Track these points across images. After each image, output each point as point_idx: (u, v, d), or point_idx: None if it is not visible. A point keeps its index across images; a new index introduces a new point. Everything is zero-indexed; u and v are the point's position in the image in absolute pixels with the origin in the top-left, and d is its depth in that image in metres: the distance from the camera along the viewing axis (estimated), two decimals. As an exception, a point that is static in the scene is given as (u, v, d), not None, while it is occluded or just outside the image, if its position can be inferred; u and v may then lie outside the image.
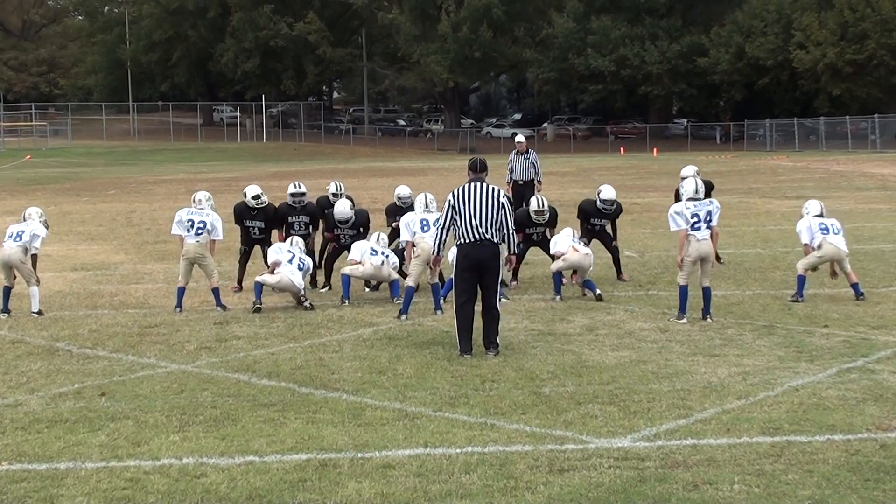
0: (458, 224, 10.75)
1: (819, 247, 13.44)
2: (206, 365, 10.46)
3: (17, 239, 13.21)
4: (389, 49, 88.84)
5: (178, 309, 13.41)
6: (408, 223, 13.31)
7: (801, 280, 13.46)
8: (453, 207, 10.78)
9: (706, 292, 12.18)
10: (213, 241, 13.55)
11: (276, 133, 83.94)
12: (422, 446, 7.65)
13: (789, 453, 7.34)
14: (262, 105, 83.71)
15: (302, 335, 11.86)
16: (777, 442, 7.61)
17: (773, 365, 10.00)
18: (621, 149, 67.85)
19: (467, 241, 10.71)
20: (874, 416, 8.20)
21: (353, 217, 14.92)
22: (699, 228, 11.98)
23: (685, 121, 78.63)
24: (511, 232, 10.93)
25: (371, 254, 13.82)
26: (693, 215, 11.99)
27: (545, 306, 13.36)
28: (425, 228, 13.00)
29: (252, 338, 11.75)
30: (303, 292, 13.57)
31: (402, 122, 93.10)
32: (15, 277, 13.37)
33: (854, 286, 13.41)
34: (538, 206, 14.65)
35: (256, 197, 14.83)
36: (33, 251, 13.26)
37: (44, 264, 18.07)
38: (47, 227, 13.73)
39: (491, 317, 10.73)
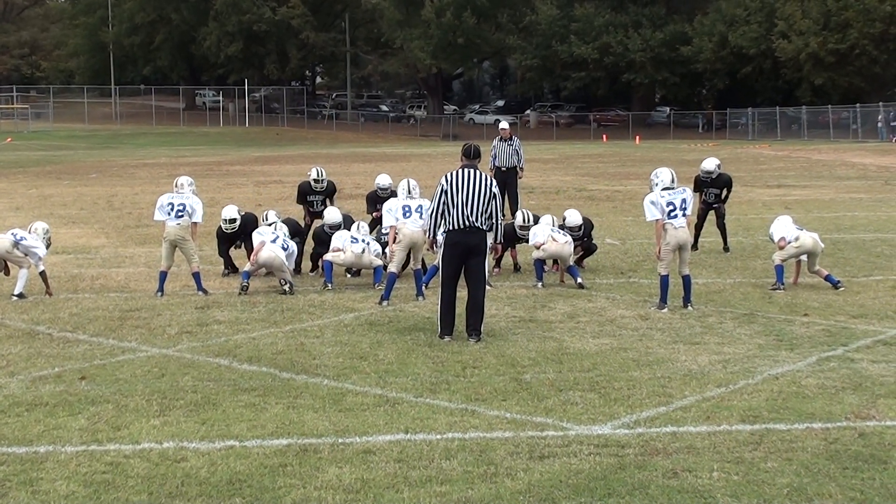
0: (449, 210, 10.74)
1: (796, 238, 13.45)
2: (187, 349, 10.43)
3: (13, 236, 13.26)
4: (373, 34, 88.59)
5: (159, 293, 13.37)
6: (390, 209, 13.27)
7: (780, 269, 13.52)
8: (445, 192, 10.77)
9: (686, 280, 12.22)
10: (195, 224, 13.51)
11: (259, 118, 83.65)
12: (402, 432, 7.65)
13: (768, 441, 7.38)
14: (244, 89, 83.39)
15: (283, 320, 11.84)
16: (756, 430, 7.65)
17: (753, 353, 10.05)
18: (604, 136, 67.91)
19: (457, 227, 10.71)
20: (853, 405, 8.25)
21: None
22: (676, 217, 11.98)
23: (668, 109, 78.73)
24: (499, 221, 10.95)
25: (351, 241, 13.85)
26: (669, 203, 11.97)
27: (527, 293, 13.38)
28: (407, 215, 12.94)
29: (233, 322, 11.73)
30: (286, 278, 13.57)
31: (384, 108, 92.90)
32: (8, 272, 13.48)
33: (827, 278, 13.49)
34: (524, 221, 14.42)
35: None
36: (32, 260, 13.35)
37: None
38: (48, 247, 13.80)
39: (475, 303, 10.74)
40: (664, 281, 12.12)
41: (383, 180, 16.25)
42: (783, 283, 13.44)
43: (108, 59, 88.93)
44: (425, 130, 77.46)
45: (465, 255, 10.73)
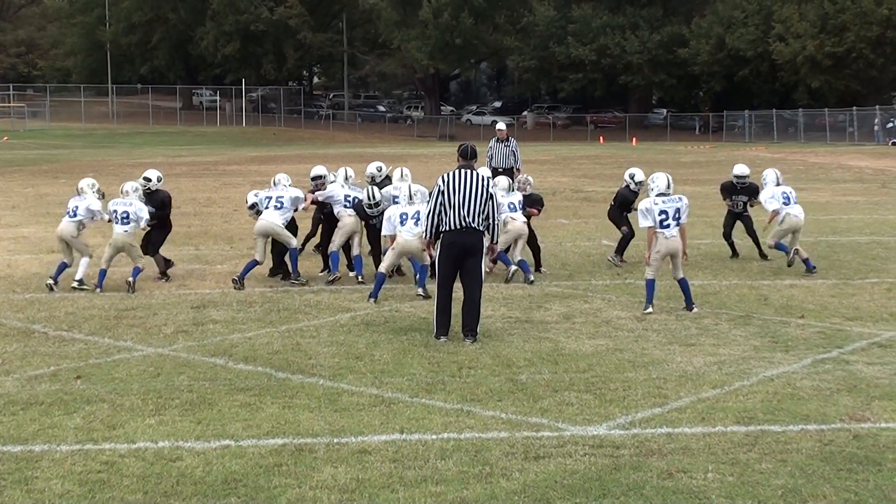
0: (446, 210, 10.73)
1: (782, 221, 14.63)
2: (183, 349, 10.44)
3: (73, 216, 13.97)
4: (370, 35, 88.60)
5: (98, 289, 13.66)
6: (390, 217, 13.20)
7: (781, 246, 14.70)
8: (443, 193, 10.77)
9: (683, 284, 12.20)
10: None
11: (256, 117, 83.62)
12: (398, 432, 7.66)
13: (763, 443, 7.40)
14: (241, 89, 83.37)
15: (279, 320, 11.84)
16: (751, 431, 7.67)
17: (748, 355, 10.06)
18: (601, 138, 67.94)
19: (453, 227, 10.71)
20: (848, 407, 8.27)
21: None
22: (668, 226, 11.94)
23: (665, 111, 78.80)
24: (495, 222, 10.96)
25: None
26: (661, 213, 11.94)
27: (522, 294, 13.38)
28: (404, 223, 12.95)
29: (229, 322, 11.73)
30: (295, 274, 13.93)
31: (382, 108, 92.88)
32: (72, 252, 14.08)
33: (805, 261, 14.59)
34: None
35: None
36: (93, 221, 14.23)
37: (20, 246, 18.03)
38: (102, 197, 14.50)
39: (471, 304, 10.74)
40: (650, 284, 12.08)
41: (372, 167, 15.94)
42: (789, 251, 14.57)
43: (105, 58, 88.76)
44: (422, 131, 77.49)
45: (462, 256, 10.73)
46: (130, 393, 8.72)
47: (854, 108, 61.72)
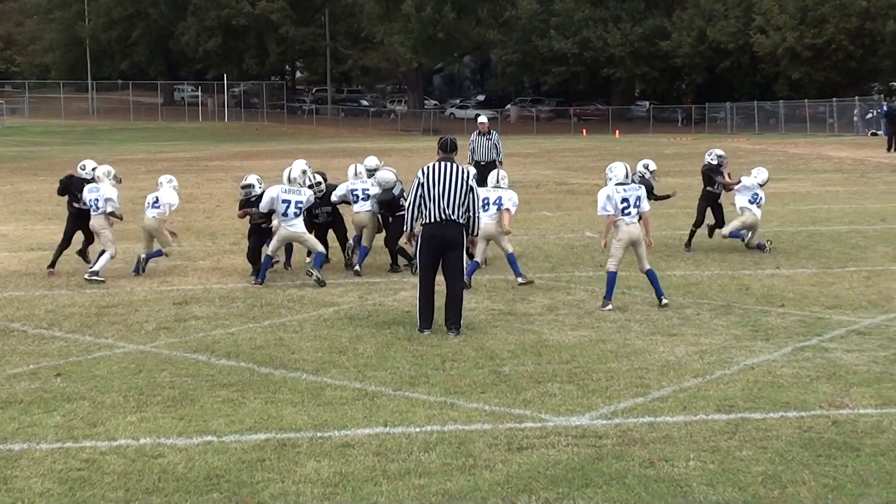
0: (425, 203, 10.72)
1: (742, 212, 15.77)
2: (165, 345, 10.40)
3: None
4: (353, 29, 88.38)
5: (140, 272, 14.61)
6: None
7: (735, 234, 15.85)
8: (422, 185, 10.76)
9: (651, 276, 12.06)
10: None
11: (238, 113, 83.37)
12: (381, 425, 7.66)
13: (744, 430, 7.43)
14: (223, 84, 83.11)
15: (262, 315, 11.82)
16: (732, 419, 7.70)
17: (729, 344, 10.10)
18: (584, 130, 68.06)
19: (433, 220, 10.70)
20: (827, 394, 8.31)
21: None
22: (629, 213, 11.88)
23: (647, 103, 79.03)
24: (476, 215, 10.94)
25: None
26: (623, 200, 11.88)
27: (506, 286, 13.39)
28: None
29: (212, 318, 11.70)
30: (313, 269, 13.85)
31: (365, 103, 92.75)
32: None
33: (758, 245, 15.84)
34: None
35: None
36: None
37: None
38: (119, 182, 15.00)
39: (454, 297, 10.73)
40: (610, 277, 11.94)
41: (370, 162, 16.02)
42: (744, 238, 15.78)
43: (85, 54, 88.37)
44: (406, 125, 77.41)
45: (442, 249, 10.72)
46: (111, 390, 8.69)
47: (834, 99, 62.01)
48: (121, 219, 14.64)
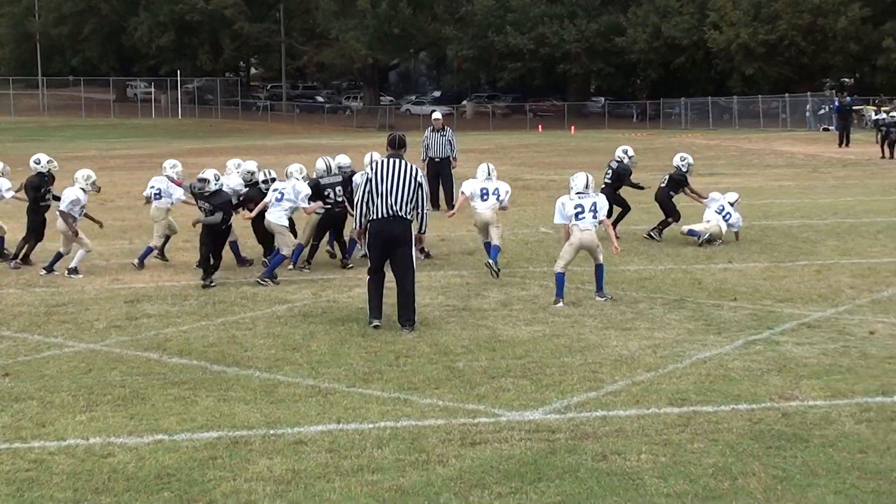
0: (373, 199, 10.70)
1: (707, 221, 16.30)
2: (116, 344, 10.30)
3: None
4: (308, 25, 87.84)
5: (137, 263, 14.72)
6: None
7: (692, 231, 16.20)
8: (370, 181, 10.74)
9: (598, 270, 12.15)
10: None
11: (192, 109, 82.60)
12: (334, 422, 7.64)
13: (695, 423, 7.49)
14: (177, 81, 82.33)
15: (215, 313, 11.74)
16: (684, 412, 7.76)
17: (682, 338, 10.17)
18: (540, 126, 68.17)
19: (380, 216, 10.68)
20: (777, 386, 8.40)
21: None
22: (583, 218, 11.96)
23: (603, 99, 79.39)
24: (423, 212, 10.94)
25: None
26: (577, 206, 11.98)
27: (461, 282, 13.40)
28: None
29: (164, 316, 11.60)
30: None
31: (320, 99, 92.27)
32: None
33: (690, 231, 16.30)
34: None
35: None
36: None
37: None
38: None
39: (404, 294, 10.73)
40: (559, 277, 11.95)
41: (343, 160, 15.98)
42: (700, 237, 15.99)
43: (35, 50, 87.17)
44: (361, 121, 77.12)
45: (390, 245, 10.73)
46: (61, 390, 8.58)
47: (787, 94, 62.64)
48: (75, 234, 14.10)
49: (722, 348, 9.72)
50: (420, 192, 10.80)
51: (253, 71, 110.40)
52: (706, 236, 16.07)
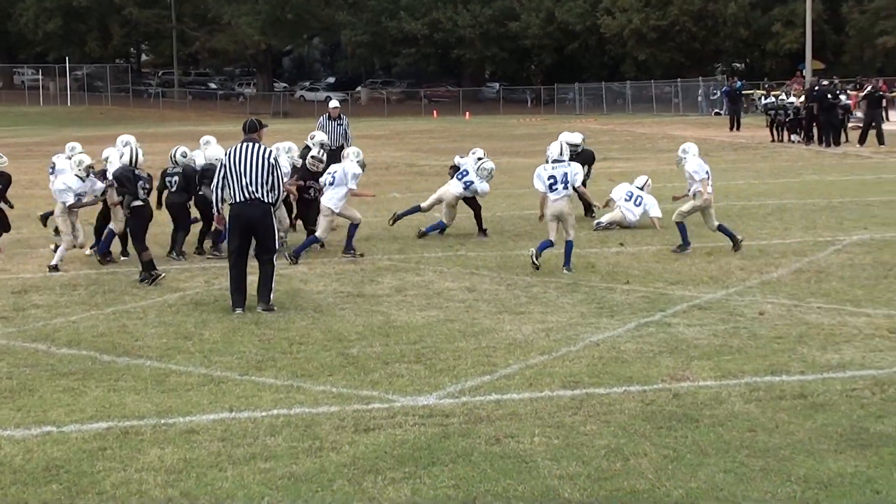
0: (230, 184, 10.88)
1: (617, 208, 16.74)
2: (2, 335, 10.03)
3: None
4: (199, 10, 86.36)
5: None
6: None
7: (600, 225, 16.50)
8: (224, 166, 10.94)
9: (567, 245, 12.83)
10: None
11: (82, 97, 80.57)
12: (227, 410, 7.56)
13: (588, 405, 7.58)
14: (66, 67, 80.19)
15: (105, 302, 11.51)
16: (577, 395, 7.85)
17: (575, 321, 10.29)
18: (434, 112, 68.33)
19: (238, 200, 10.86)
20: (669, 368, 8.55)
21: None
22: (555, 189, 12.65)
23: (497, 84, 79.90)
24: (280, 194, 11.22)
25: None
26: (550, 177, 12.68)
27: (354, 269, 13.36)
28: None
29: (52, 306, 11.33)
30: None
31: (213, 86, 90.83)
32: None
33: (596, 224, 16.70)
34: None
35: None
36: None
37: None
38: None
39: (263, 276, 10.94)
40: (544, 244, 12.86)
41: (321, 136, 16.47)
42: (602, 225, 16.47)
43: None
44: (255, 108, 76.16)
45: (249, 228, 10.91)
46: (-57, 383, 8.32)
47: (678, 79, 63.86)
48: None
49: (614, 331, 9.86)
50: (276, 174, 10.97)
51: (144, 57, 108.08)
52: (605, 224, 16.44)
